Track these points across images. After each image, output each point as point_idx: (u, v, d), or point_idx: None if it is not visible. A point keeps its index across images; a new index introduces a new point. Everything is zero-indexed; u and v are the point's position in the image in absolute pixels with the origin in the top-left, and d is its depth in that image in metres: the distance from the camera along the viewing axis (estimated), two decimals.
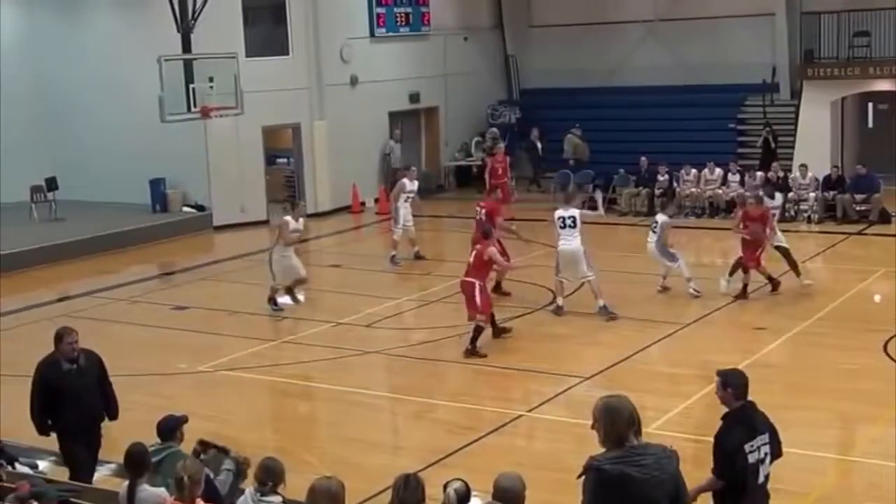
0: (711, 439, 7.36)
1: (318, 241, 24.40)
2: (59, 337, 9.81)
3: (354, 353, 15.59)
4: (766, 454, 7.44)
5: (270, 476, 7.18)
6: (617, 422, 5.97)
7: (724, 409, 7.36)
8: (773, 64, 28.99)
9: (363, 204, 28.18)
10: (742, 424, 7.38)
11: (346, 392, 13.92)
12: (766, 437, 7.47)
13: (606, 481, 5.79)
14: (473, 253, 15.08)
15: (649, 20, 30.93)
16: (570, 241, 16.72)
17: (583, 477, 5.91)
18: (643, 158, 26.78)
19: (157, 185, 26.54)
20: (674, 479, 5.97)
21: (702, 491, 7.29)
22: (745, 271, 17.51)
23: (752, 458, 7.30)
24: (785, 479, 10.89)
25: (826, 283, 18.88)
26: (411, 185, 21.71)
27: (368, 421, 13.06)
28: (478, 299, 14.72)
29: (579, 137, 28.44)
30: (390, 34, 29.42)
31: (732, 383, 7.47)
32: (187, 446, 8.21)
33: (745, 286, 17.50)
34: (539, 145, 29.90)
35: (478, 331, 14.76)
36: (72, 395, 9.71)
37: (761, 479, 7.41)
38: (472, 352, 14.70)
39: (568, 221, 16.78)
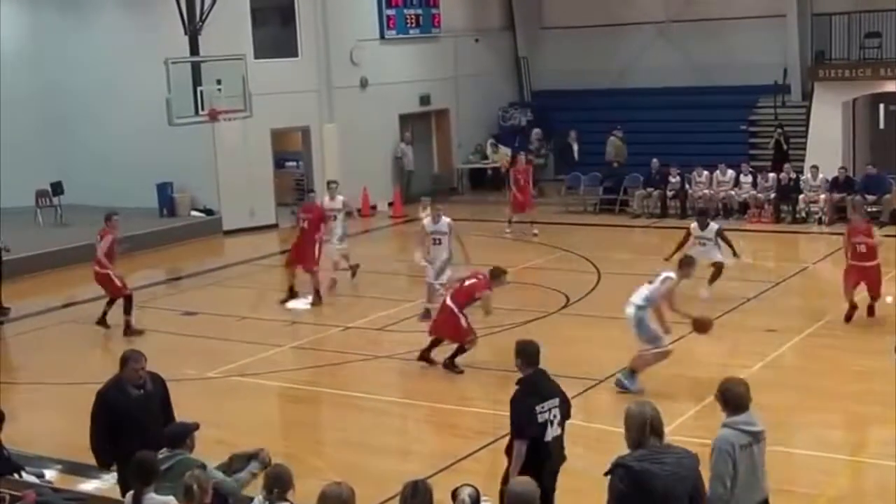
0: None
1: (327, 245, 24.30)
2: (125, 360, 9.17)
3: (364, 357, 15.53)
4: (555, 416, 8.40)
5: (277, 483, 7.13)
6: (631, 427, 6.48)
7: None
8: (785, 65, 28.88)
9: (374, 207, 28.10)
10: (533, 389, 8.38)
11: (355, 397, 13.87)
12: (555, 402, 8.45)
13: (631, 477, 6.29)
14: (470, 281, 14.65)
15: (661, 21, 30.84)
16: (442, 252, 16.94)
17: (609, 475, 6.41)
18: (654, 160, 26.68)
19: (164, 190, 26.52)
20: (693, 478, 6.47)
21: (518, 465, 8.16)
22: (873, 300, 16.37)
23: (541, 419, 8.29)
24: (797, 480, 10.86)
25: (837, 285, 18.76)
26: (332, 203, 20.12)
27: (377, 426, 13.00)
28: (462, 323, 14.39)
29: (620, 139, 28.32)
30: (400, 36, 29.37)
31: (522, 353, 8.53)
32: (202, 453, 8.13)
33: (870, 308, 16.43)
34: (575, 147, 29.57)
35: (461, 350, 14.47)
36: (138, 424, 8.85)
37: (549, 437, 8.34)
38: (450, 366, 14.44)
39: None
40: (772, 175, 25.71)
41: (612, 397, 13.14)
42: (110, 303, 17.45)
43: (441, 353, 14.60)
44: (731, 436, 7.00)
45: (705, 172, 26.38)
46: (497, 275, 14.49)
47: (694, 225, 18.16)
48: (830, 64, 27.96)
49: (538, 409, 8.27)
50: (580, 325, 15.67)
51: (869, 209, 24.04)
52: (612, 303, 16.76)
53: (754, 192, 25.56)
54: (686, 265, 14.14)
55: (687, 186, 26.33)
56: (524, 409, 8.31)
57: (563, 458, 8.63)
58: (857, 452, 11.76)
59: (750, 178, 25.89)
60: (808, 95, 28.21)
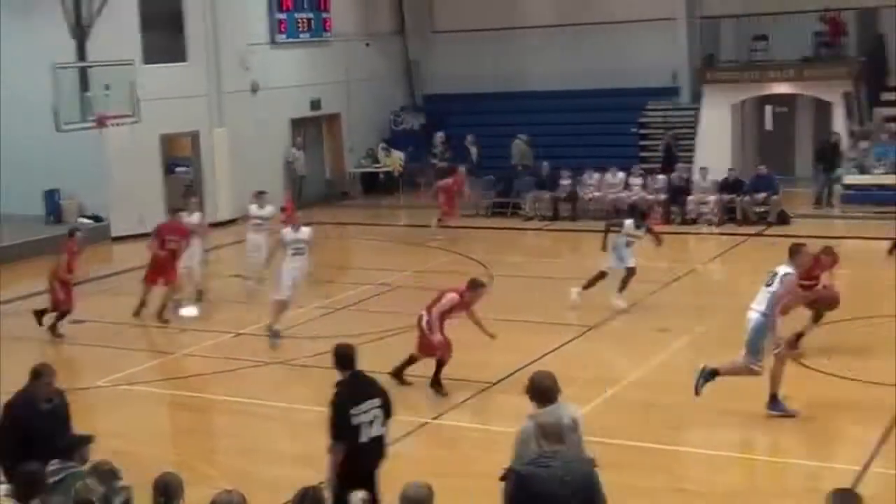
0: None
1: (218, 252, 23.95)
2: (37, 374, 8.96)
3: (255, 363, 15.31)
4: (375, 417, 8.49)
5: (166, 492, 6.96)
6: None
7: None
8: (675, 68, 29.35)
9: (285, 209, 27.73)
10: (349, 392, 8.52)
11: (247, 403, 13.64)
12: (375, 402, 8.54)
13: (518, 481, 6.53)
14: (447, 296, 13.85)
15: (552, 25, 31.07)
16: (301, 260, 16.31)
17: (503, 479, 6.59)
18: (545, 163, 26.86)
19: (51, 196, 25.90)
20: (585, 482, 6.56)
21: (335, 465, 8.27)
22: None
23: (356, 421, 8.37)
24: (688, 478, 10.98)
25: (727, 284, 19.12)
26: (259, 211, 19.93)
27: (270, 432, 12.82)
28: (432, 337, 13.70)
29: (525, 142, 28.42)
30: (291, 40, 29.13)
31: (336, 356, 8.74)
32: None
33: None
34: (474, 150, 29.56)
35: (440, 364, 13.83)
36: (46, 437, 8.52)
37: (365, 438, 8.41)
38: (435, 383, 13.78)
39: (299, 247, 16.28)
40: (662, 177, 26.08)
41: (505, 400, 13.11)
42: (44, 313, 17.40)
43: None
44: (532, 427, 7.26)
45: (596, 175, 26.66)
46: (475, 285, 13.90)
47: (629, 222, 17.67)
48: (719, 67, 28.53)
49: (353, 411, 8.37)
50: (473, 328, 15.61)
51: (757, 209, 24.53)
52: (505, 306, 16.86)
53: (644, 194, 25.88)
54: (796, 253, 12.40)
55: (578, 189, 26.55)
56: (339, 413, 8.43)
57: (382, 457, 8.65)
58: (749, 449, 11.91)
59: (640, 180, 26.22)
60: (697, 98, 28.71)
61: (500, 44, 31.19)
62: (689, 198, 25.15)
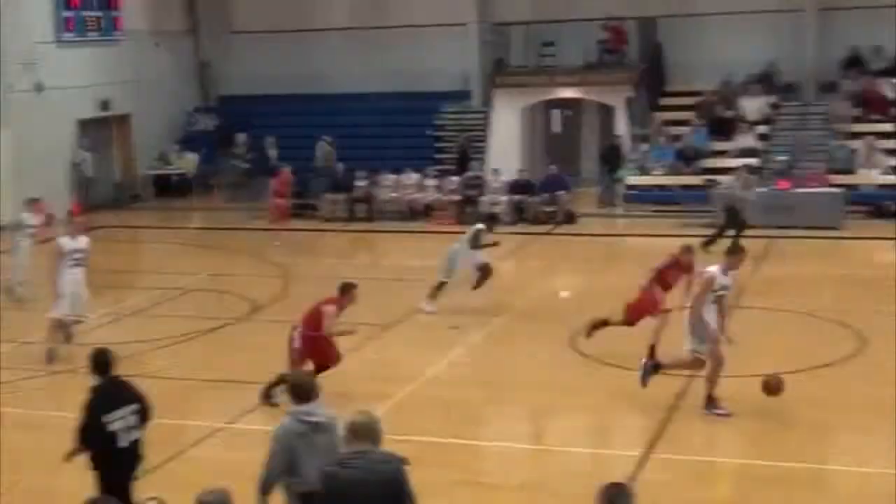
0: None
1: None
2: None
3: (34, 374, 14.72)
4: (132, 423, 8.43)
5: None
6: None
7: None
8: (467, 73, 29.90)
9: (51, 216, 26.78)
10: (101, 398, 8.39)
11: (39, 416, 13.19)
12: (132, 408, 8.47)
13: (323, 481, 6.68)
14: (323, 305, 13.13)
15: (350, 28, 31.16)
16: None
17: None
18: (340, 164, 26.98)
19: None
20: (390, 482, 6.65)
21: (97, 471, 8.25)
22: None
23: (111, 428, 8.29)
24: (482, 471, 11.25)
25: (516, 282, 19.64)
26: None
27: (42, 441, 12.43)
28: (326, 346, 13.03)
29: (330, 143, 28.32)
30: (79, 39, 28.28)
31: (92, 360, 8.55)
32: None
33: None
34: (273, 153, 29.18)
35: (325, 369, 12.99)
36: None
37: (124, 443, 8.35)
38: (266, 396, 13.06)
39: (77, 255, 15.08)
40: (455, 178, 26.59)
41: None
42: None
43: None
44: (288, 424, 7.49)
45: (392, 176, 26.96)
46: (346, 290, 13.17)
47: (482, 226, 17.52)
48: (509, 71, 29.21)
49: (107, 418, 8.28)
50: (268, 331, 15.56)
51: (546, 209, 25.28)
52: (300, 308, 16.78)
53: (439, 195, 26.33)
54: (733, 253, 12.29)
55: (373, 190, 26.77)
56: (88, 419, 8.36)
57: (140, 460, 8.64)
58: (540, 441, 12.30)
59: (435, 181, 26.67)
60: (488, 101, 29.34)
61: (299, 46, 31.09)
62: (483, 198, 25.70)
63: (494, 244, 17.73)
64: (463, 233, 17.95)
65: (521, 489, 10.61)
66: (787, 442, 11.37)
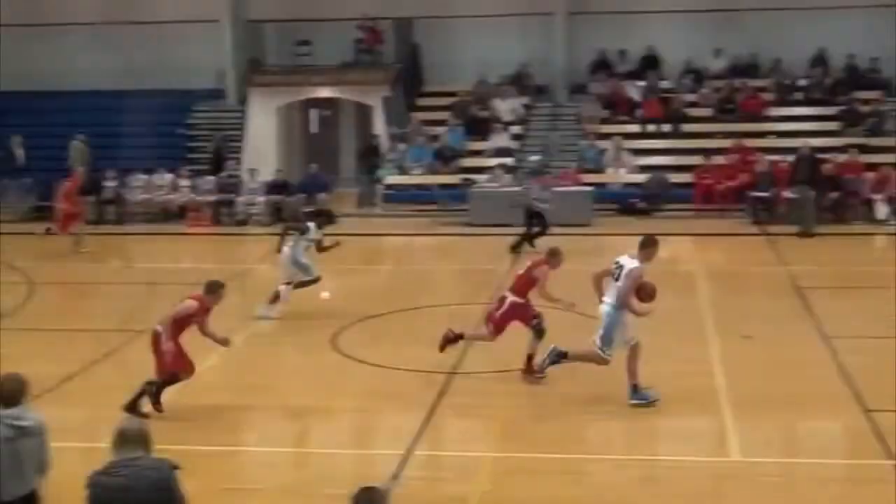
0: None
1: None
2: None
3: None
4: None
5: None
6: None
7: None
8: (221, 70, 29.34)
9: None
10: None
11: None
12: None
13: (87, 488, 6.55)
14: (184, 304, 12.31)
15: (95, 23, 30.01)
16: None
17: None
18: (80, 168, 25.67)
19: None
20: (158, 488, 6.54)
21: None
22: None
23: None
24: (240, 477, 10.98)
25: (274, 284, 19.35)
26: None
27: None
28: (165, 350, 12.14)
29: (83, 142, 27.11)
30: None
31: None
32: None
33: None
34: (20, 152, 27.68)
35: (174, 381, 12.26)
36: None
37: None
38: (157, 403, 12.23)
39: None
40: (211, 178, 26.03)
41: (54, 413, 12.48)
42: None
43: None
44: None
45: (142, 176, 26.17)
46: (213, 289, 12.33)
47: (313, 225, 17.12)
48: (264, 70, 28.86)
49: None
50: (15, 339, 14.75)
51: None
52: (47, 314, 16.09)
53: (193, 196, 25.70)
54: (648, 245, 12.20)
55: (124, 191, 25.91)
56: None
57: None
58: (301, 443, 12.12)
59: (189, 182, 26.02)
60: (244, 100, 28.89)
61: (43, 40, 29.71)
62: (239, 199, 25.26)
63: (336, 245, 17.40)
64: (227, 235, 17.54)
65: (283, 492, 10.40)
66: (540, 434, 11.61)
